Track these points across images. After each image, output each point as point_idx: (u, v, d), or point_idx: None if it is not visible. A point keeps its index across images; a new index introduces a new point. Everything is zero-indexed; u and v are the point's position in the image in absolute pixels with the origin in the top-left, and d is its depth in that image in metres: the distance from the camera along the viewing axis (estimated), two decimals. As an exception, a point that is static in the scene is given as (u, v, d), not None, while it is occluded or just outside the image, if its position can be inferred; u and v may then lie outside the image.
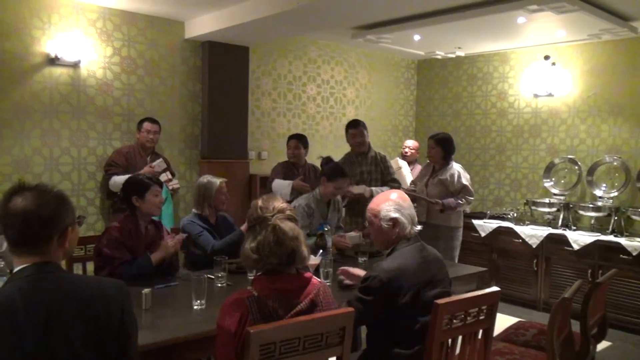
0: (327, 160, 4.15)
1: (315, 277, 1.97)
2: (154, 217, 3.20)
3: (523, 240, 5.19)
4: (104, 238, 2.97)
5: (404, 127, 7.02)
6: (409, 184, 4.94)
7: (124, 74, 4.83)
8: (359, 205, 4.16)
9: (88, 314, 1.46)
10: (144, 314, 2.39)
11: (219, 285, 2.87)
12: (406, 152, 5.73)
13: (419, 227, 2.40)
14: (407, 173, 5.34)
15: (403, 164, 5.44)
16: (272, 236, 1.85)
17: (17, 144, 4.31)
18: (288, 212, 1.94)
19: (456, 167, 4.43)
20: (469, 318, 2.20)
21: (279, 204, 1.95)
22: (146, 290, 2.46)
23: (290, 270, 1.90)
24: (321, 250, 3.22)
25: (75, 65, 4.52)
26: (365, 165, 4.37)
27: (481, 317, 2.25)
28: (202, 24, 4.99)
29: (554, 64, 5.60)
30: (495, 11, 4.35)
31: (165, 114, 5.04)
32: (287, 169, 4.79)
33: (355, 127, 4.40)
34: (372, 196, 4.00)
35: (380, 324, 2.25)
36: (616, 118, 5.30)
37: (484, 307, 2.25)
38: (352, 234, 3.73)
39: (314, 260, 3.04)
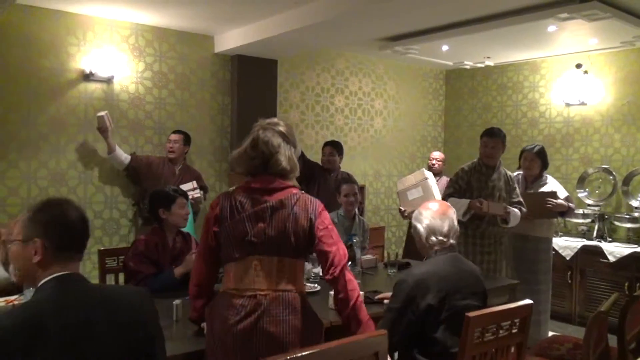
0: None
1: (299, 190, 2.08)
2: (181, 229, 3.24)
3: (557, 252, 5.07)
4: (130, 251, 3.03)
5: (433, 138, 6.98)
6: (436, 196, 4.83)
7: (156, 88, 4.94)
8: (481, 223, 3.91)
9: (117, 321, 1.50)
10: (175, 325, 2.41)
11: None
12: (433, 164, 5.58)
13: (451, 240, 2.40)
14: (433, 184, 5.16)
15: (429, 174, 5.28)
16: (250, 140, 2.07)
17: (53, 157, 4.44)
18: (279, 128, 2.08)
19: (551, 179, 4.34)
20: (501, 331, 2.16)
21: (275, 120, 2.13)
22: (177, 302, 2.49)
23: (269, 174, 2.04)
24: (350, 262, 3.21)
25: (108, 81, 4.65)
26: (497, 180, 3.97)
27: (514, 331, 2.21)
28: (231, 39, 5.07)
29: (586, 72, 5.49)
30: (525, 20, 4.30)
31: (195, 126, 5.13)
32: (320, 173, 4.83)
33: (491, 136, 3.97)
34: (506, 221, 3.85)
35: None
36: (652, 126, 5.17)
37: (516, 320, 2.20)
38: (368, 256, 3.76)
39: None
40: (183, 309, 2.50)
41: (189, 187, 4.52)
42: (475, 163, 4.06)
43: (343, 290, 2.03)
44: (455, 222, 2.43)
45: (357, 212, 4.12)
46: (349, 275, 2.05)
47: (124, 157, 4.56)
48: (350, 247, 3.41)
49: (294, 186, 2.08)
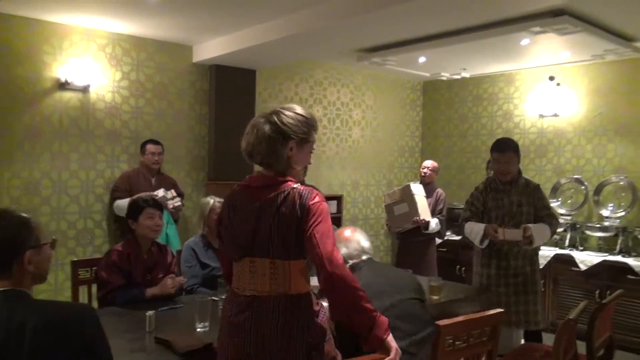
0: None
1: (297, 184, 1.93)
2: (158, 240, 3.22)
3: (530, 260, 5.14)
4: (103, 260, 3.00)
5: (410, 148, 7.05)
6: (421, 216, 4.71)
7: (133, 97, 4.92)
8: (502, 245, 3.51)
9: (46, 339, 1.43)
10: (148, 336, 2.40)
11: (222, 307, 2.87)
12: (425, 173, 5.34)
13: (364, 257, 2.54)
14: (419, 200, 4.83)
15: (418, 189, 4.94)
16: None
17: (26, 167, 4.38)
18: (274, 118, 1.94)
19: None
20: (471, 339, 2.19)
21: (283, 107, 1.99)
22: (150, 313, 2.47)
23: (268, 169, 1.97)
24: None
25: (84, 90, 4.61)
26: (514, 195, 3.51)
27: (484, 339, 2.24)
28: (210, 48, 5.08)
29: (559, 84, 5.61)
30: (499, 33, 4.38)
31: (172, 136, 5.11)
32: None
33: (501, 152, 3.49)
34: (531, 242, 3.35)
35: None
36: (622, 138, 5.30)
37: (486, 329, 2.24)
38: None
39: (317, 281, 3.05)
40: (156, 321, 2.48)
41: (169, 196, 4.51)
42: (490, 179, 3.62)
43: (332, 302, 1.88)
44: (356, 240, 2.57)
45: None
46: (337, 280, 1.82)
47: (124, 202, 4.25)
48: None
49: (290, 180, 1.93)
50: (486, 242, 3.47)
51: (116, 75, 4.82)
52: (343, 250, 2.49)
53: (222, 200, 3.61)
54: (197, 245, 3.49)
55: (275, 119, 1.93)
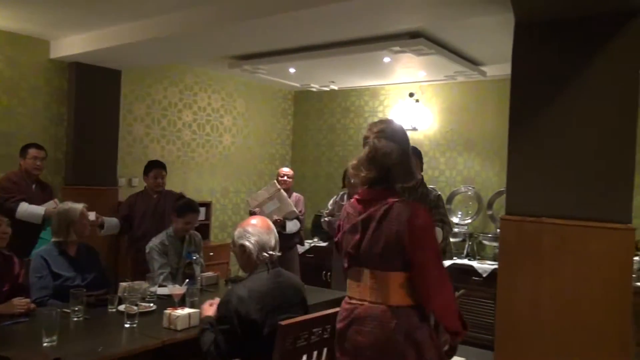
0: (179, 197, 4.04)
1: (397, 197, 2.02)
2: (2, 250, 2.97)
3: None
4: None
5: (281, 156, 7.17)
6: (289, 208, 4.83)
7: (-23, 92, 4.47)
8: None
9: None
10: (-15, 355, 2.20)
11: (75, 319, 2.71)
12: (284, 180, 5.31)
13: (277, 253, 2.46)
14: (284, 193, 4.98)
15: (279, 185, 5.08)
16: (367, 153, 2.05)
17: None
18: (392, 134, 2.06)
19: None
20: (313, 337, 2.28)
21: (378, 127, 2.09)
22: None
23: (384, 186, 2.05)
24: (187, 280, 3.18)
25: None
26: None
27: (325, 336, 2.34)
28: (70, 45, 4.78)
29: (417, 100, 6.06)
30: (363, 50, 4.64)
31: (25, 136, 4.70)
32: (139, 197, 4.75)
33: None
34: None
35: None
36: (469, 152, 5.85)
37: (327, 327, 2.34)
38: (210, 273, 3.74)
39: (179, 289, 3.00)
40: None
41: (52, 205, 4.17)
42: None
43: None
44: (275, 232, 2.51)
45: None
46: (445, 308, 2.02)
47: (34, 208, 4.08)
48: (189, 265, 3.37)
49: (392, 194, 2.04)
50: None
51: (-43, 67, 4.35)
52: (264, 237, 2.43)
53: (86, 205, 3.43)
54: (50, 254, 3.24)
55: (395, 136, 2.05)
